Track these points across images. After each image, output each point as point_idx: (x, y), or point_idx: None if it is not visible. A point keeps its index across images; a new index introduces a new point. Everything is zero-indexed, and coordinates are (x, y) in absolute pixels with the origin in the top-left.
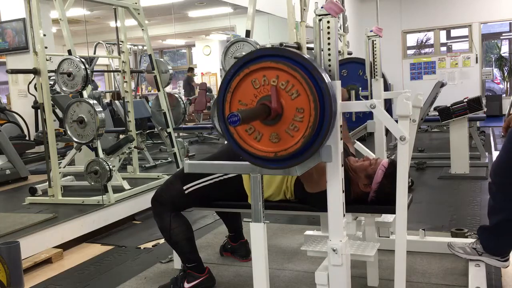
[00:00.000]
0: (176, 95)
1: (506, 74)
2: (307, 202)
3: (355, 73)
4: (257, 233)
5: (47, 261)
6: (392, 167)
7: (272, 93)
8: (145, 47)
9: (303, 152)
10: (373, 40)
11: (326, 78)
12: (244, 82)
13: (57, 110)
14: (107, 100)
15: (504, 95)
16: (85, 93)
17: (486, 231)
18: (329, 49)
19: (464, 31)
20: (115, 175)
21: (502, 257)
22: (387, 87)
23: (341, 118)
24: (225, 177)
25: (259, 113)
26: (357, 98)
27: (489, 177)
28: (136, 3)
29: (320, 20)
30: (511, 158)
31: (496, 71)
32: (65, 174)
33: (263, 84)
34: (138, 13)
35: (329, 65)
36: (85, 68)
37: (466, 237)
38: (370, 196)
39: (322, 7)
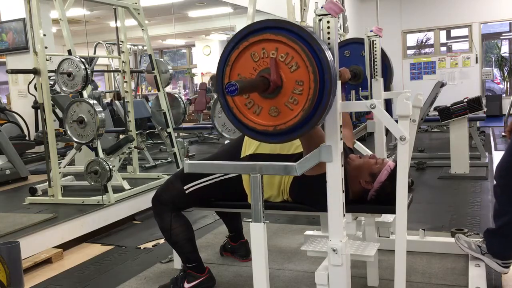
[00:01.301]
0: (176, 95)
1: (506, 74)
2: (303, 201)
3: (358, 53)
4: (257, 233)
5: (47, 261)
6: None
7: (271, 65)
8: (145, 47)
9: (302, 126)
10: (373, 40)
11: (325, 49)
12: (243, 55)
13: (57, 110)
14: (107, 100)
15: (504, 95)
16: (85, 93)
17: (492, 234)
18: (329, 49)
19: (464, 31)
20: (115, 175)
21: (504, 262)
22: (390, 81)
23: (341, 116)
24: (226, 177)
25: (258, 84)
26: (357, 98)
27: (494, 180)
28: (136, 3)
29: (320, 20)
30: None
31: (496, 71)
32: (65, 174)
33: (263, 57)
34: (138, 13)
35: None
36: (85, 68)
37: (467, 237)
38: (370, 194)
39: (322, 7)
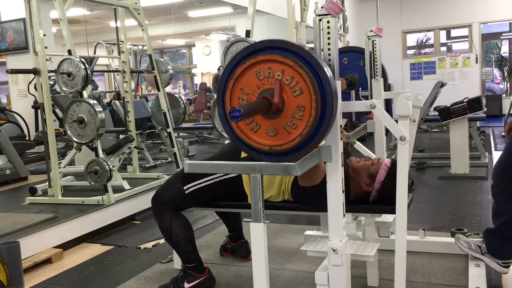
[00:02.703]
0: (176, 95)
1: (506, 74)
2: (305, 202)
3: (356, 62)
4: (257, 233)
5: (47, 261)
6: (394, 167)
7: (275, 88)
8: (145, 47)
9: (298, 150)
10: (373, 40)
11: (331, 79)
12: (248, 71)
13: (57, 110)
14: (107, 100)
15: (504, 95)
16: (85, 93)
17: (491, 234)
18: (329, 49)
19: (464, 31)
20: (115, 175)
21: (504, 262)
22: (385, 83)
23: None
24: (226, 177)
25: (261, 108)
26: (357, 98)
27: (491, 180)
28: (136, 3)
29: (320, 20)
30: (509, 159)
31: (496, 71)
32: (65, 174)
33: (268, 77)
34: (138, 13)
35: (329, 65)
36: (85, 68)
37: (467, 237)
38: (372, 195)
39: (322, 7)
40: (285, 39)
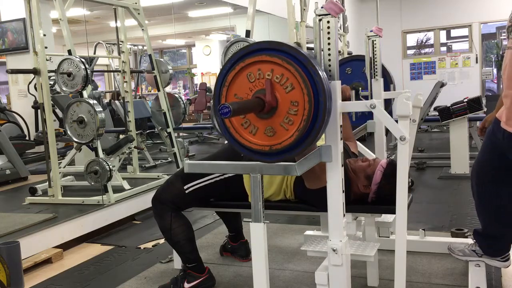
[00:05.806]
0: (176, 95)
1: None
2: (307, 200)
3: (359, 70)
4: (257, 233)
5: (47, 261)
6: (391, 167)
7: (266, 86)
8: (145, 47)
9: (297, 145)
10: (373, 40)
11: (320, 71)
12: (239, 76)
13: (57, 110)
14: (107, 100)
15: None
16: (85, 93)
17: (480, 235)
18: (329, 49)
19: (464, 31)
20: (115, 175)
21: (502, 257)
22: (388, 86)
23: (343, 117)
24: (226, 176)
25: (253, 106)
26: (357, 98)
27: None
28: (136, 3)
29: (320, 20)
30: (487, 159)
31: (496, 71)
32: (65, 174)
33: (258, 78)
34: (138, 13)
35: (329, 65)
36: (85, 68)
37: (466, 237)
38: (370, 197)
39: (322, 7)
40: (271, 40)
